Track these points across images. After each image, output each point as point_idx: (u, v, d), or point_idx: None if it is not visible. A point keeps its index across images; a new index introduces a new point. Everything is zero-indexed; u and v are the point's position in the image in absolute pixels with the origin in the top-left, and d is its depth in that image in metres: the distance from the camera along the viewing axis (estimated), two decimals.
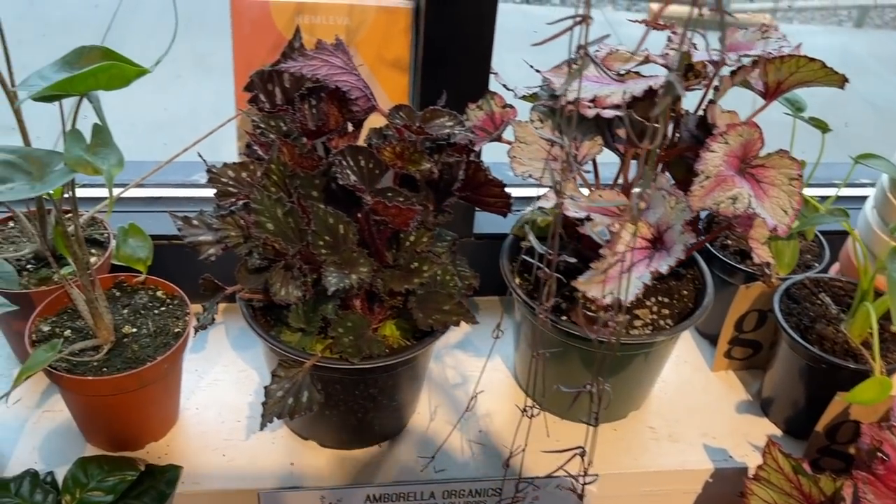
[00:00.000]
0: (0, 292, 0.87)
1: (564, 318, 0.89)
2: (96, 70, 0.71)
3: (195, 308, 0.93)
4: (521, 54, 0.94)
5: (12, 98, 0.82)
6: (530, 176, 0.86)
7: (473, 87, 0.98)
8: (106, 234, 1.00)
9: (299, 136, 0.82)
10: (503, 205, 0.82)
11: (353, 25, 0.98)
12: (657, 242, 0.76)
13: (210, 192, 1.14)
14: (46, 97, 0.74)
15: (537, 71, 0.90)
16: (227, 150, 1.10)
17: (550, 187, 0.85)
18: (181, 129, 2.37)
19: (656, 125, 0.48)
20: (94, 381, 0.82)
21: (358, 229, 0.79)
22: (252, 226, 0.80)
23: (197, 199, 1.13)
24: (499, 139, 0.92)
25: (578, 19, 0.57)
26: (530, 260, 0.69)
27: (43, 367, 0.77)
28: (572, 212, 0.77)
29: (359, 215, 0.81)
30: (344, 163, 0.76)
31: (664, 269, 0.69)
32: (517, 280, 0.96)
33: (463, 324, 0.83)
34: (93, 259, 0.96)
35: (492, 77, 0.98)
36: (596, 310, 0.87)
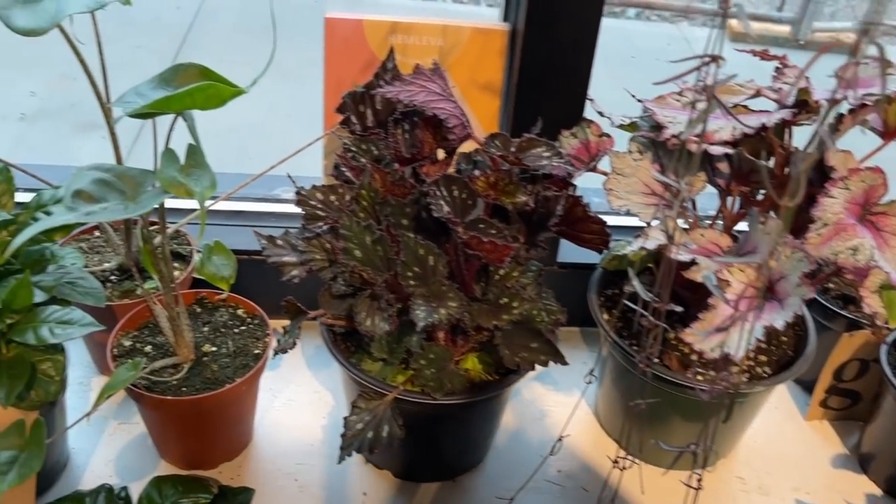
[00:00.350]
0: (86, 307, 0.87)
1: (657, 361, 0.85)
2: (193, 90, 0.70)
3: (276, 323, 0.92)
4: (608, 69, 0.91)
5: (108, 113, 0.81)
6: (628, 210, 0.82)
7: (568, 114, 0.94)
8: (189, 249, 0.99)
9: (391, 163, 0.80)
10: (600, 242, 0.79)
11: (446, 46, 0.95)
12: (767, 291, 0.71)
13: (291, 208, 1.14)
14: (142, 115, 0.74)
15: (639, 101, 0.87)
16: (302, 160, 1.07)
17: (650, 224, 0.81)
18: (254, 133, 2.39)
19: (767, 164, 0.44)
20: (173, 400, 0.81)
21: (447, 261, 0.76)
22: (340, 252, 0.78)
23: (278, 214, 1.12)
24: (594, 169, 0.89)
25: (707, 59, 0.54)
26: (633, 307, 0.66)
27: (125, 386, 0.76)
28: (674, 254, 0.73)
29: (448, 245, 0.79)
30: (438, 193, 0.74)
31: (779, 324, 0.65)
32: (605, 316, 0.92)
33: None
34: (175, 273, 0.96)
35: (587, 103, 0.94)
36: (698, 359, 0.83)
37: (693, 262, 0.72)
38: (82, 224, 1.01)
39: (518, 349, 0.80)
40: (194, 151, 0.73)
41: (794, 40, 3.56)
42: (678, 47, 3.53)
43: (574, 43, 0.89)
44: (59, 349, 0.76)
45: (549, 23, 0.88)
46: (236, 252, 1.00)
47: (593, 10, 0.87)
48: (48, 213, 0.77)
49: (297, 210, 1.14)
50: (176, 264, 0.98)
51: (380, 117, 0.89)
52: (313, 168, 1.06)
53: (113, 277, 0.96)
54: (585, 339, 1.13)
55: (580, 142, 0.90)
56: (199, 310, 0.93)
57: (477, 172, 0.77)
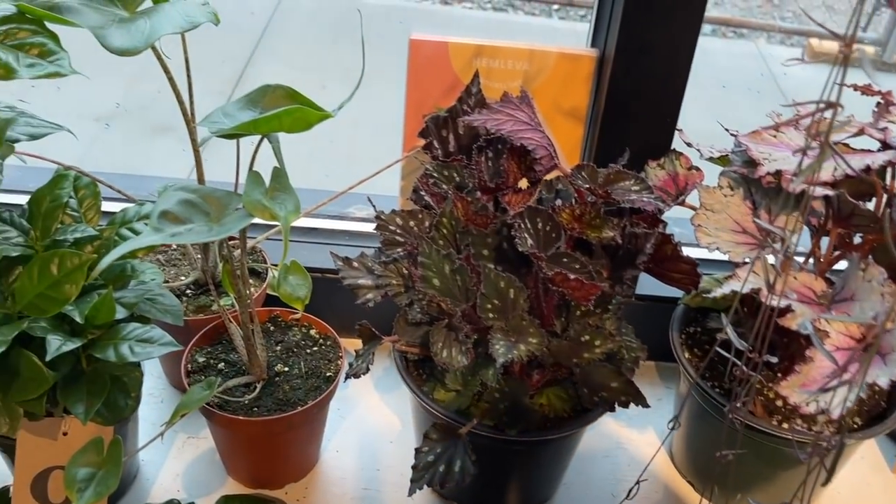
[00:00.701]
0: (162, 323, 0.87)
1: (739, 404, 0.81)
2: (281, 114, 0.70)
3: (346, 342, 0.91)
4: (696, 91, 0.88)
5: (193, 133, 0.81)
6: (717, 249, 0.79)
7: (655, 144, 0.92)
8: (264, 266, 0.99)
9: (473, 191, 0.79)
10: (689, 282, 0.76)
11: (531, 71, 0.93)
12: (868, 344, 0.67)
13: (364, 227, 1.14)
14: (229, 135, 0.73)
15: (732, 134, 0.83)
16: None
17: (741, 264, 0.78)
18: (321, 141, 2.40)
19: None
20: (244, 421, 0.81)
21: (528, 295, 0.74)
22: (417, 279, 0.76)
23: (351, 232, 1.12)
24: (681, 203, 0.86)
25: (823, 106, 0.51)
26: (726, 354, 0.62)
27: (199, 406, 0.76)
28: (764, 297, 0.69)
29: (528, 277, 0.77)
30: (522, 226, 0.72)
31: (883, 382, 0.61)
32: (687, 355, 0.89)
33: None
34: (250, 290, 0.96)
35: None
36: (783, 405, 0.79)
37: (790, 309, 0.68)
38: None
39: (598, 388, 0.77)
40: (279, 174, 0.73)
41: (879, 61, 3.45)
42: (756, 65, 3.45)
43: (667, 71, 0.87)
44: (135, 365, 0.77)
45: (641, 50, 0.85)
46: (309, 270, 1.00)
47: (689, 38, 0.84)
48: (132, 230, 0.77)
49: (371, 229, 1.14)
50: (251, 281, 0.98)
51: (461, 142, 0.88)
52: (387, 185, 1.05)
53: (189, 291, 0.96)
54: (661, 375, 1.09)
55: (668, 174, 0.87)
56: (272, 328, 0.93)
57: (559, 202, 0.75)
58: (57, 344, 0.67)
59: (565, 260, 0.74)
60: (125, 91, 2.57)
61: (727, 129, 0.84)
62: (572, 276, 0.68)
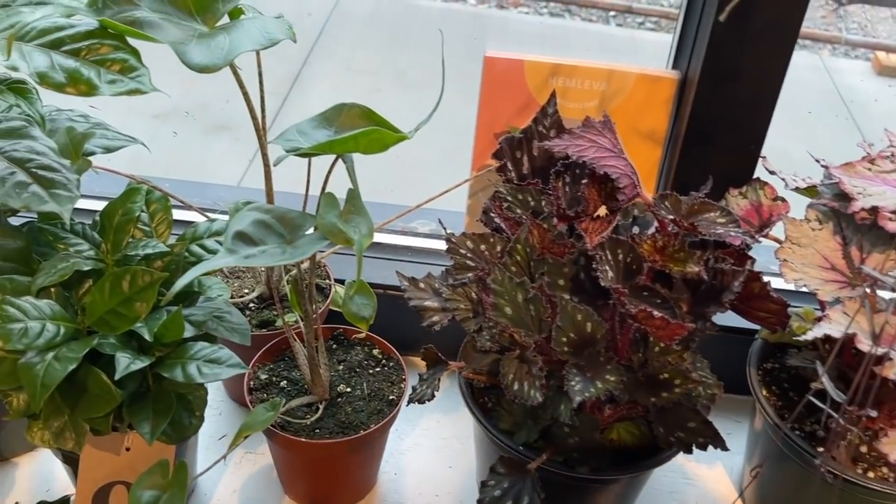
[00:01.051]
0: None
1: (821, 449, 0.77)
2: (358, 135, 0.68)
3: (408, 360, 0.89)
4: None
5: (265, 149, 0.80)
6: (805, 286, 0.75)
7: (737, 172, 0.88)
8: (327, 282, 0.97)
9: (550, 217, 0.76)
10: (777, 322, 0.73)
11: (609, 91, 0.90)
12: None
13: (428, 243, 1.12)
14: (303, 154, 0.72)
15: (823, 166, 0.80)
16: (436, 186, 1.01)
17: (829, 303, 0.74)
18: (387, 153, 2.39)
19: None
20: (306, 443, 0.79)
21: (606, 329, 0.71)
22: (489, 307, 0.74)
23: (415, 249, 1.10)
24: (765, 236, 0.82)
25: None
26: (820, 405, 0.59)
27: (263, 427, 0.75)
28: (865, 346, 0.66)
29: (604, 309, 0.74)
30: (603, 258, 0.69)
31: None
32: (764, 392, 0.86)
33: None
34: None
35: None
36: (868, 452, 0.75)
37: (888, 358, 0.64)
38: None
39: (674, 427, 0.74)
40: (353, 196, 0.71)
41: None
42: (819, 78, 3.36)
43: (753, 97, 0.83)
44: (200, 384, 0.76)
45: (729, 74, 0.82)
46: (371, 286, 0.98)
47: (779, 63, 0.81)
48: (203, 246, 0.76)
49: (434, 246, 1.12)
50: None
51: (535, 164, 0.85)
52: (452, 201, 1.02)
53: (251, 305, 0.95)
54: (731, 407, 1.05)
55: (750, 204, 0.84)
56: (334, 346, 0.92)
57: (636, 230, 0.72)
58: (126, 362, 0.66)
59: (646, 294, 0.71)
60: (184, 90, 2.59)
61: (816, 160, 0.80)
62: (657, 315, 0.65)
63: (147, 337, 0.69)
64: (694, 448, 0.74)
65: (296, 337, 0.85)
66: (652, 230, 0.78)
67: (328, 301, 0.95)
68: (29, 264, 0.73)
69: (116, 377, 0.65)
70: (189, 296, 0.75)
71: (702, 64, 0.82)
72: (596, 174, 0.73)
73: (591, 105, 0.91)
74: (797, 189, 0.84)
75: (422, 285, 0.87)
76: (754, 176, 0.89)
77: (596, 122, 0.74)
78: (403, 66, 3.05)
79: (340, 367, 0.89)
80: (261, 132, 0.79)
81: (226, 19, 0.73)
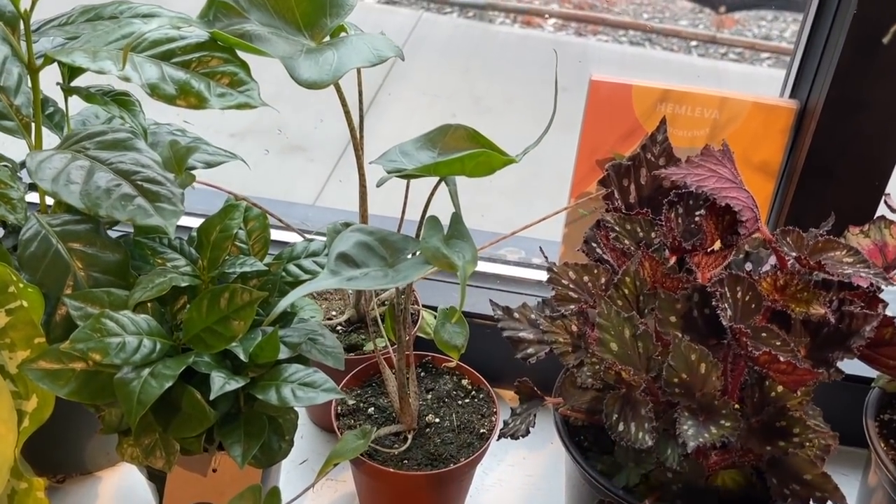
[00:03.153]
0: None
1: None
2: (465, 158, 0.66)
3: (501, 393, 0.86)
4: None
5: (363, 168, 0.78)
6: None
7: (858, 209, 0.83)
8: (416, 308, 0.95)
9: (661, 250, 0.72)
10: None
11: (721, 120, 0.86)
12: None
13: (516, 272, 1.08)
14: (406, 176, 0.70)
15: None
16: (529, 211, 0.97)
17: None
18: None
19: None
20: (394, 474, 0.77)
21: (721, 371, 0.67)
22: (594, 342, 0.70)
23: (504, 277, 1.06)
24: (892, 280, 0.76)
25: None
26: None
27: (353, 456, 0.72)
28: None
29: (717, 348, 0.69)
30: (723, 295, 0.65)
31: None
32: (882, 445, 0.79)
33: None
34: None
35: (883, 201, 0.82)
36: None
37: None
38: None
39: (788, 479, 0.69)
40: (457, 221, 0.68)
41: None
42: None
43: (881, 131, 0.78)
44: (291, 407, 0.73)
45: (855, 105, 0.77)
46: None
47: None
48: (300, 266, 0.75)
49: (523, 275, 1.09)
50: None
51: (642, 193, 0.82)
52: (547, 229, 0.98)
53: (339, 328, 0.93)
54: (839, 460, 0.98)
55: (874, 243, 0.78)
56: (423, 374, 0.89)
57: (748, 267, 0.67)
58: (221, 382, 0.64)
59: (764, 335, 0.66)
60: (259, 109, 2.61)
61: None
62: (783, 359, 0.60)
63: (242, 357, 0.67)
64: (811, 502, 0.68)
65: (385, 363, 0.83)
66: (769, 267, 0.73)
67: (415, 328, 0.92)
68: (126, 278, 0.72)
69: (211, 397, 0.63)
70: (284, 316, 0.74)
71: (826, 94, 0.78)
72: (715, 206, 0.69)
73: (701, 133, 0.87)
74: None
75: (516, 315, 0.84)
76: (877, 213, 0.83)
77: (716, 150, 0.70)
78: (480, 93, 3.04)
79: (429, 396, 0.86)
80: (359, 150, 0.77)
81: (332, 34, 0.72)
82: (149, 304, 0.69)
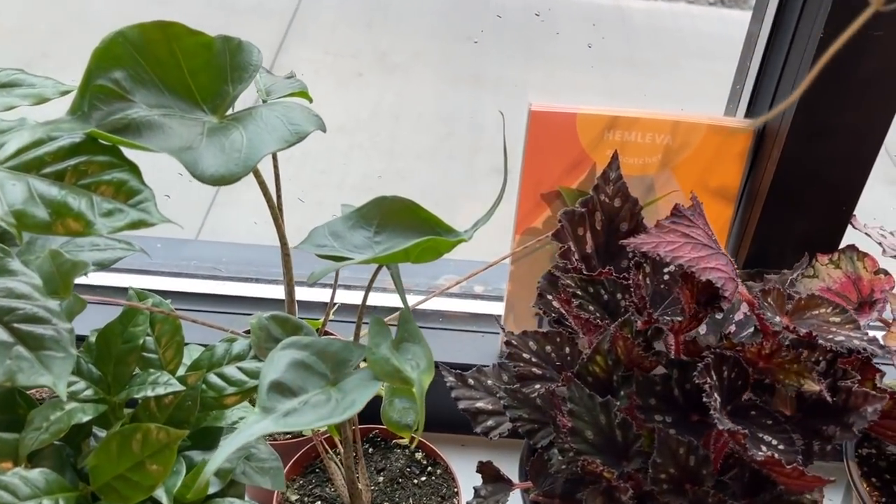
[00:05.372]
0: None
1: None
2: (410, 249, 0.56)
3: (459, 459, 0.78)
4: None
5: (289, 256, 0.67)
6: None
7: (824, 234, 0.77)
8: None
9: (632, 322, 0.65)
10: None
11: (674, 145, 0.79)
12: None
13: (459, 305, 1.00)
14: (337, 258, 0.60)
15: None
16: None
17: None
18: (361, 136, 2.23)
19: None
20: None
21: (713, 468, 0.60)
22: (566, 430, 0.63)
23: (445, 314, 0.98)
24: (867, 314, 0.71)
25: None
26: None
27: None
28: None
29: (697, 422, 0.63)
30: (709, 382, 0.58)
31: None
32: (865, 486, 0.76)
33: None
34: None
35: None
36: None
37: None
38: None
39: None
40: (407, 320, 0.59)
41: None
42: None
43: (849, 156, 0.72)
44: None
45: (820, 132, 0.70)
46: None
47: (882, 120, 0.69)
48: (223, 376, 0.64)
49: (466, 309, 1.01)
50: None
51: (599, 240, 0.74)
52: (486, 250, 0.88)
53: None
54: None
55: (846, 275, 0.73)
56: (370, 449, 0.80)
57: (750, 343, 0.61)
58: None
59: (753, 413, 0.60)
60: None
61: None
62: (789, 467, 0.54)
63: (165, 502, 0.57)
64: None
65: (327, 448, 0.74)
66: (750, 331, 0.67)
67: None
68: (14, 408, 0.60)
69: None
70: (208, 435, 0.63)
71: (792, 119, 0.71)
72: (692, 277, 0.61)
73: (653, 160, 0.79)
74: None
75: (471, 381, 0.76)
76: (843, 237, 0.78)
77: (686, 210, 0.63)
78: (385, 48, 2.89)
79: (381, 479, 0.77)
80: (283, 236, 0.66)
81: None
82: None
